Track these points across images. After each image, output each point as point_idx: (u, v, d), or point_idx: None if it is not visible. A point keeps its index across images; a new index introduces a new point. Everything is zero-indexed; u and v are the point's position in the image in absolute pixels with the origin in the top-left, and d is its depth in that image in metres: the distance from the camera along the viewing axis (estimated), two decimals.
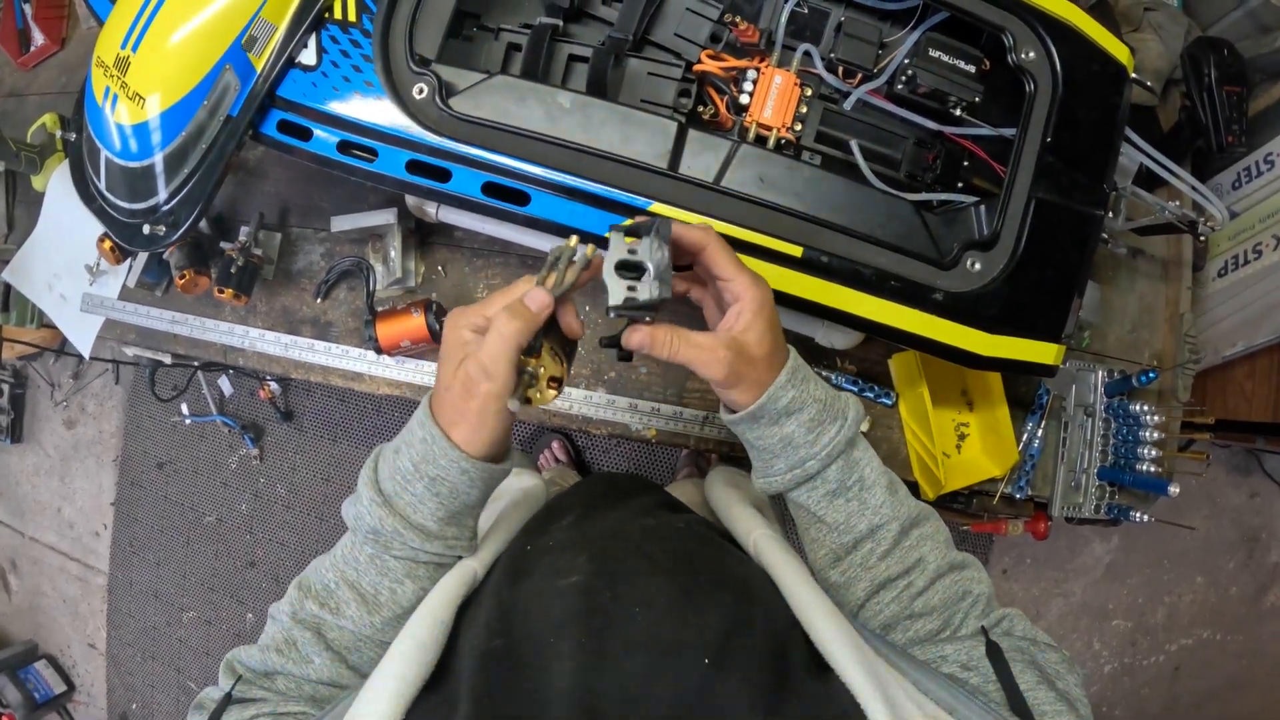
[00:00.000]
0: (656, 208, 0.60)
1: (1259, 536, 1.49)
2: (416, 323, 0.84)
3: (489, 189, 0.63)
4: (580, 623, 0.36)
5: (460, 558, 0.46)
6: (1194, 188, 0.74)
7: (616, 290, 0.43)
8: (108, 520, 2.04)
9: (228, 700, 0.42)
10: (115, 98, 0.67)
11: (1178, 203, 0.78)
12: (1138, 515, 0.84)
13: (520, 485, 0.65)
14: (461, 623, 0.40)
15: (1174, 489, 0.80)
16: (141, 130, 0.67)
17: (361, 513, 0.44)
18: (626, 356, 0.46)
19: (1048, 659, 0.42)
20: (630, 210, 0.60)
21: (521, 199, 0.62)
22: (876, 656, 0.36)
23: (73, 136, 0.81)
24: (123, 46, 0.64)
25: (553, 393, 0.45)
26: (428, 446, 0.43)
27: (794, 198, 0.63)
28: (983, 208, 0.67)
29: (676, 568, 0.42)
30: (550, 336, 0.45)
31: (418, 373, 0.90)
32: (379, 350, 0.86)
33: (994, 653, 0.42)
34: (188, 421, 1.88)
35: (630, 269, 0.43)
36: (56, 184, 1.07)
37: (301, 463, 1.88)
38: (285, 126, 0.68)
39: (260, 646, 0.45)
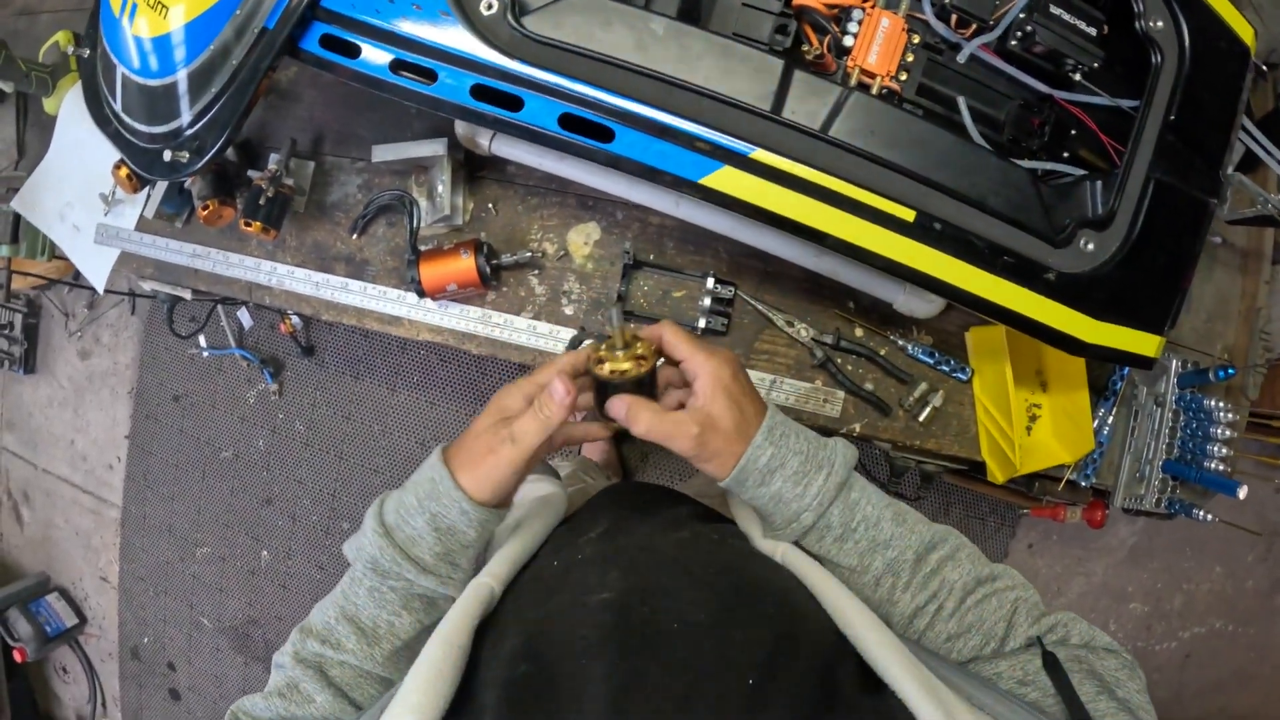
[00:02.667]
0: (758, 154, 0.51)
1: None
2: (465, 265, 0.75)
3: (567, 121, 0.53)
4: (614, 643, 0.32)
5: (452, 597, 0.44)
6: None
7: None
8: (121, 453, 1.96)
9: None
10: (134, 7, 0.56)
11: (1276, 195, 0.72)
12: (1201, 514, 0.80)
13: (538, 494, 0.59)
14: (482, 646, 0.36)
15: (1243, 491, 0.75)
16: (163, 43, 0.57)
17: (363, 544, 0.45)
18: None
19: (1106, 666, 0.40)
20: (726, 154, 0.53)
21: (605, 135, 0.52)
22: (929, 671, 0.32)
23: (86, 53, 0.71)
24: None
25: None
26: (434, 485, 0.44)
27: (906, 154, 0.53)
28: (1099, 184, 0.60)
29: (715, 581, 0.39)
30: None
31: (461, 318, 0.81)
32: (421, 293, 0.78)
33: (1051, 664, 0.39)
34: (205, 354, 1.78)
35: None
36: (69, 106, 0.96)
37: (322, 399, 1.79)
38: (329, 42, 0.57)
39: (264, 694, 0.44)
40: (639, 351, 0.46)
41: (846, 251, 0.54)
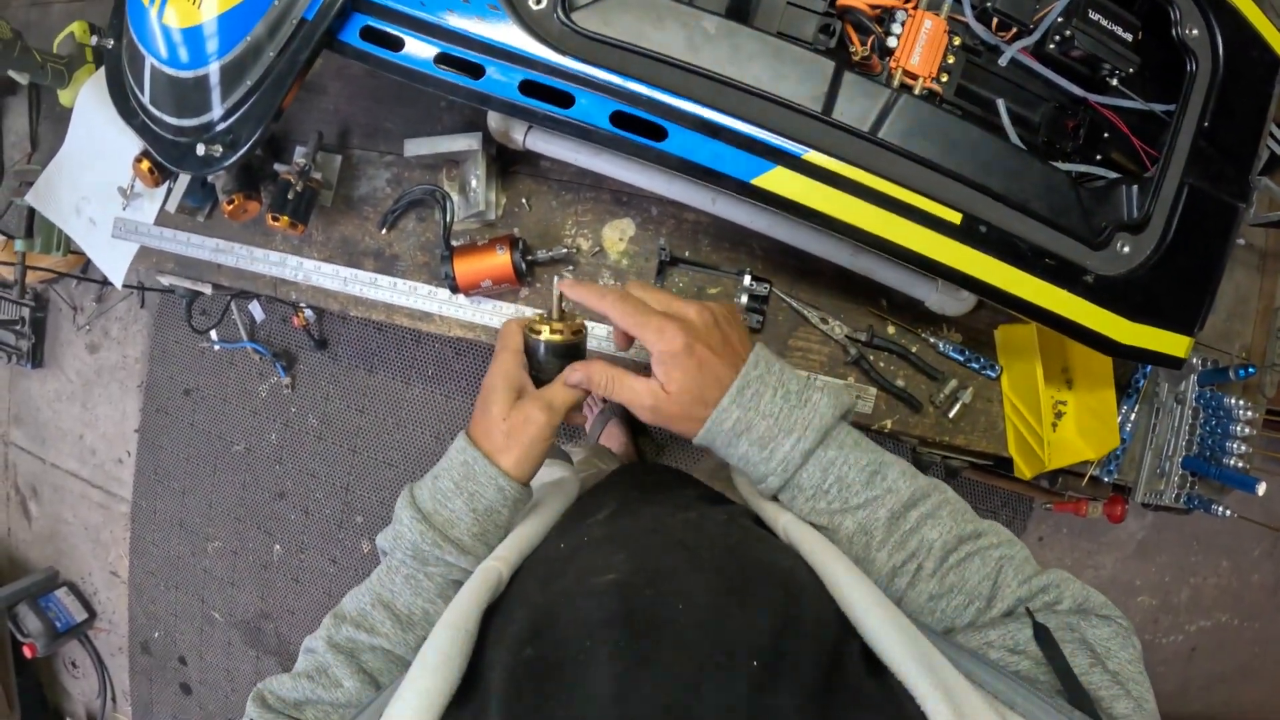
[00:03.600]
0: (811, 155, 0.51)
1: None
2: (500, 261, 0.74)
3: (619, 119, 0.52)
4: (618, 624, 0.32)
5: None
6: None
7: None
8: (131, 447, 1.93)
9: None
10: None
11: None
12: (1219, 509, 0.81)
13: (550, 478, 0.59)
14: (489, 628, 0.35)
15: (1261, 487, 0.76)
16: (194, 35, 0.55)
17: (401, 532, 0.45)
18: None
19: (1099, 635, 0.38)
20: (779, 155, 0.52)
21: (658, 133, 0.51)
22: (933, 649, 0.32)
23: (110, 43, 0.70)
24: None
25: None
26: (469, 468, 0.45)
27: (953, 157, 0.53)
28: (1135, 188, 0.61)
29: (721, 562, 0.38)
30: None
31: (494, 314, 0.80)
32: (455, 289, 0.77)
33: (1042, 635, 0.38)
34: (216, 347, 1.75)
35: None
36: (86, 98, 0.93)
37: (335, 393, 1.77)
38: (370, 34, 0.56)
39: (292, 675, 0.44)
40: (575, 325, 0.51)
41: (894, 253, 0.54)
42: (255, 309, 1.81)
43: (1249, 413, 0.78)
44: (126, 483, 1.96)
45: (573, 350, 0.51)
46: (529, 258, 0.77)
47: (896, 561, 0.43)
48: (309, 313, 1.72)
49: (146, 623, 1.98)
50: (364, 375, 1.77)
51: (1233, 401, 0.78)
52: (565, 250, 0.78)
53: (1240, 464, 0.78)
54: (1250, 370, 0.76)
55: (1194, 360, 0.80)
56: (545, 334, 0.50)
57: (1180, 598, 1.49)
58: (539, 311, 0.55)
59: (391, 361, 1.75)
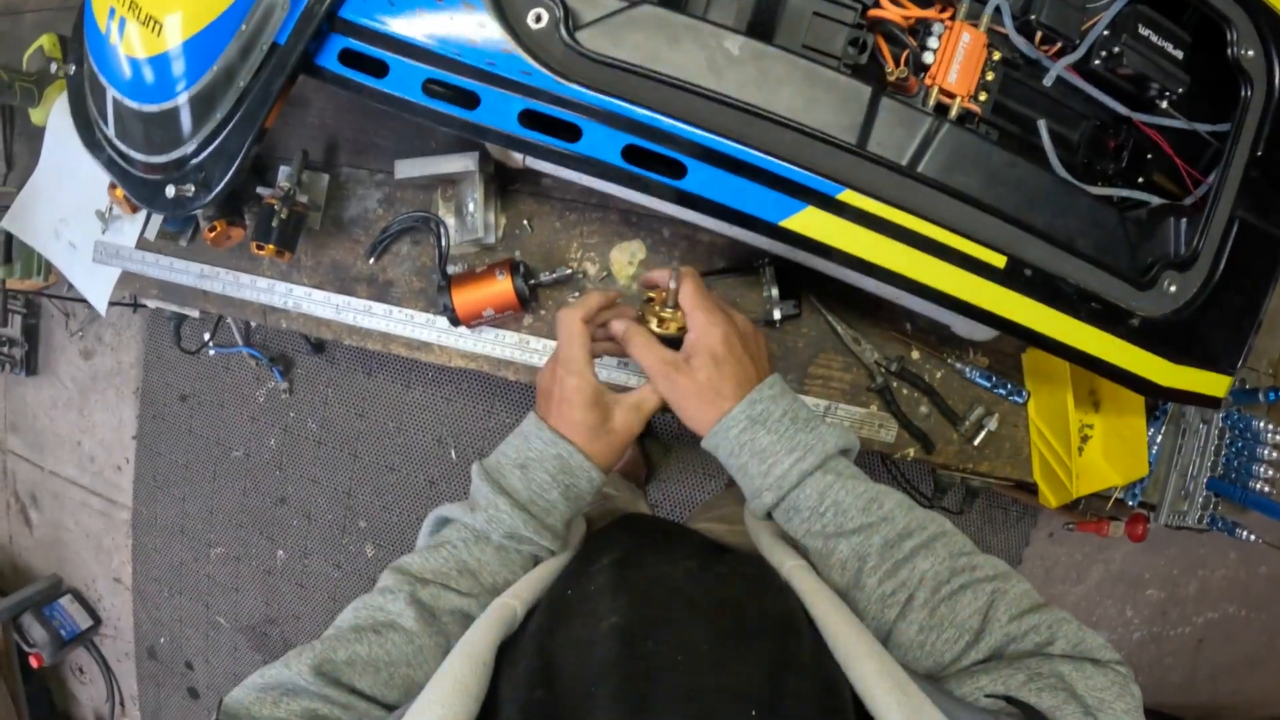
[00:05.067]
0: (846, 195, 0.45)
1: None
2: (501, 288, 0.68)
3: (632, 154, 0.46)
4: (619, 670, 0.32)
5: (553, 550, 0.48)
6: None
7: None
8: (129, 454, 1.88)
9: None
10: (123, 21, 0.48)
11: None
12: (1243, 533, 0.78)
13: None
14: (502, 664, 0.35)
15: None
16: (159, 64, 0.49)
17: (498, 517, 0.46)
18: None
19: (1091, 685, 0.35)
20: (811, 194, 0.47)
21: (677, 170, 0.46)
22: (925, 701, 0.30)
23: (72, 69, 0.60)
24: None
25: None
26: (563, 461, 0.47)
27: (995, 193, 0.48)
28: (1184, 222, 0.56)
29: (720, 612, 0.38)
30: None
31: (497, 344, 0.74)
32: (456, 321, 0.72)
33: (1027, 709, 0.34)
34: (212, 353, 1.68)
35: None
36: (58, 117, 0.86)
37: (334, 397, 1.72)
38: (350, 58, 0.50)
39: (354, 629, 0.42)
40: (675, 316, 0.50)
41: (933, 299, 0.48)
42: None
43: (1277, 436, 0.74)
44: (126, 489, 1.91)
45: (677, 342, 0.50)
46: (531, 281, 0.71)
47: (887, 589, 0.42)
48: None
49: (152, 629, 1.95)
50: (363, 378, 1.72)
51: (1260, 425, 0.75)
52: (570, 272, 0.72)
53: (1266, 488, 0.74)
54: None
55: None
56: (667, 328, 0.50)
57: (1188, 590, 1.48)
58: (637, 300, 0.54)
59: (390, 364, 1.70)
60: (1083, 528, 0.89)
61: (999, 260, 0.48)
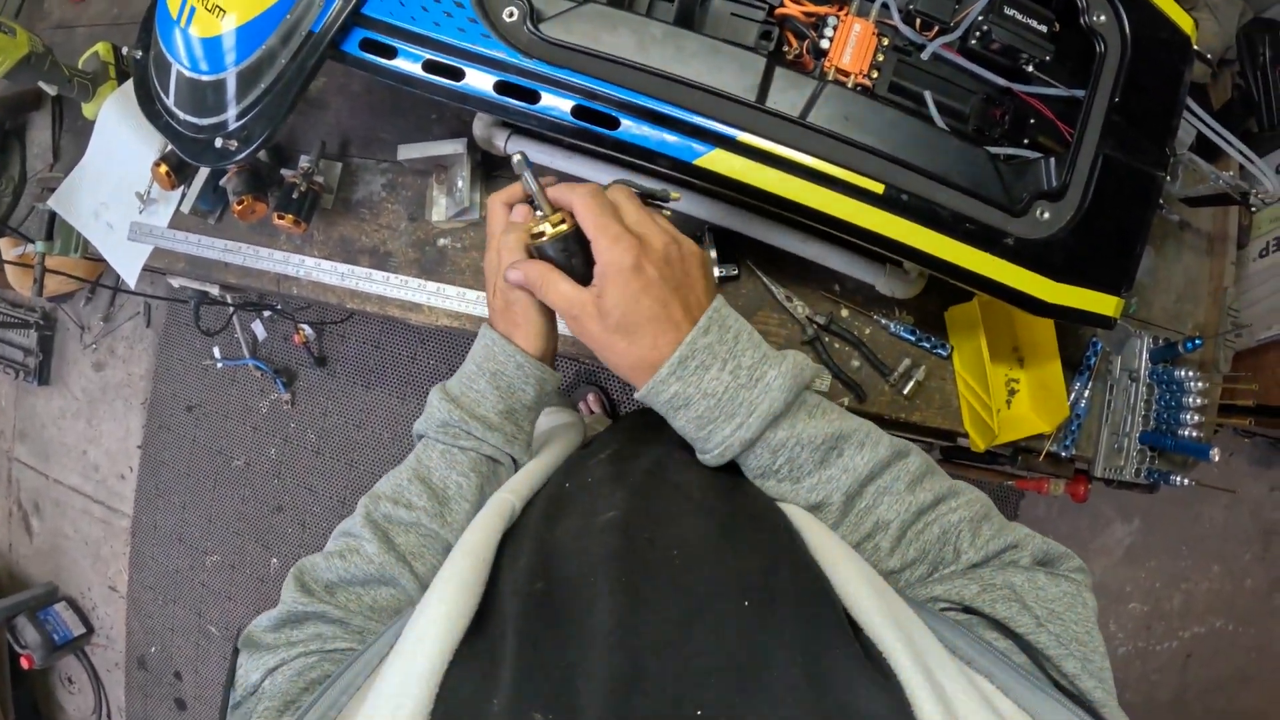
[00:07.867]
0: (744, 137, 0.61)
1: (1277, 530, 1.49)
2: None
3: (578, 112, 0.62)
4: (617, 561, 0.34)
5: (515, 459, 0.51)
6: (1247, 157, 0.77)
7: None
8: (134, 463, 2.02)
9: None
10: (192, 10, 0.65)
11: (1231, 173, 0.81)
12: (1178, 479, 0.86)
13: (559, 421, 0.65)
14: (502, 559, 0.38)
15: (1215, 453, 0.81)
16: (214, 44, 0.66)
17: (431, 412, 0.50)
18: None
19: (1042, 596, 0.38)
20: (717, 138, 0.62)
21: (611, 123, 0.62)
22: (900, 602, 0.33)
23: (139, 54, 0.82)
24: None
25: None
26: (488, 349, 0.50)
27: (876, 137, 0.62)
28: (1052, 160, 0.69)
29: (714, 504, 0.41)
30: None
31: (479, 304, 0.89)
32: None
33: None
34: (219, 365, 1.86)
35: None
36: (108, 112, 1.05)
37: (333, 408, 1.87)
38: (369, 45, 0.67)
39: (324, 554, 0.46)
40: (559, 217, 0.47)
41: (823, 222, 0.62)
42: (258, 327, 1.92)
43: (1200, 384, 0.83)
44: (128, 498, 2.05)
45: (564, 248, 0.47)
46: None
47: (854, 540, 0.44)
48: (308, 330, 1.83)
49: (143, 638, 2.03)
50: (362, 391, 1.87)
51: (1183, 373, 0.84)
52: None
53: (1195, 433, 0.83)
54: (1197, 342, 0.82)
55: (1145, 338, 0.87)
56: (549, 230, 0.47)
57: (1173, 604, 1.50)
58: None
59: (388, 378, 1.85)
60: (1022, 485, 0.98)
61: (878, 187, 0.61)
